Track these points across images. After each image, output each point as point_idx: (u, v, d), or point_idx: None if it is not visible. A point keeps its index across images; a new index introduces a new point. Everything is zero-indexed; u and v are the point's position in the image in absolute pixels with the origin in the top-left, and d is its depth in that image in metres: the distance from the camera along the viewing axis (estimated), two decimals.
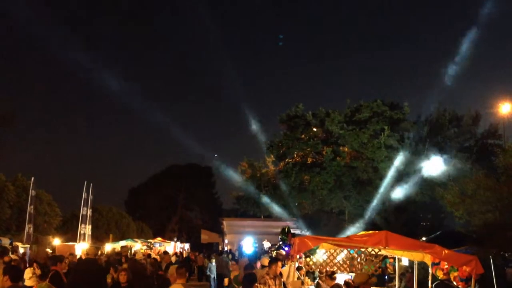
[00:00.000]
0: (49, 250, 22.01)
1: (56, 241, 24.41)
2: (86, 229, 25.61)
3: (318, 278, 9.99)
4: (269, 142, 25.49)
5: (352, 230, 20.35)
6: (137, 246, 27.75)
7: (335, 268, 8.28)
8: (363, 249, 7.74)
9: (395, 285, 11.15)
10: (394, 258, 11.51)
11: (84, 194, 25.53)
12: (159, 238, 36.34)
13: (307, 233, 24.20)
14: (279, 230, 17.04)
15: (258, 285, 7.41)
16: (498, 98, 21.00)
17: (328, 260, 8.18)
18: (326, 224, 24.84)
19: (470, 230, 12.68)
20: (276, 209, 25.41)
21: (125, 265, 9.99)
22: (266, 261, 10.19)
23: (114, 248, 24.26)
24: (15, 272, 5.31)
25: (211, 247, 42.28)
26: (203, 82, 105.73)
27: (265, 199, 24.79)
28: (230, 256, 23.00)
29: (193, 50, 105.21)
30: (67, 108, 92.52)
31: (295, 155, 24.59)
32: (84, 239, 24.63)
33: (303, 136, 24.12)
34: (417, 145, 21.28)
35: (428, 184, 19.69)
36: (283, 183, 23.63)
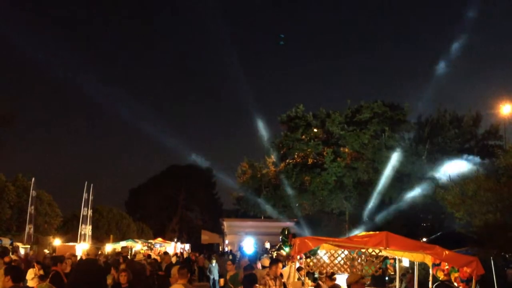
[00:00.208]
0: (46, 251, 21.98)
1: (57, 242, 24.41)
2: (87, 229, 25.62)
3: (318, 279, 10.00)
4: (270, 143, 25.51)
5: (352, 230, 20.35)
6: (138, 246, 27.73)
7: (336, 269, 8.28)
8: (363, 250, 7.75)
9: (395, 286, 11.14)
10: (394, 259, 11.51)
11: (84, 195, 25.55)
12: (159, 239, 36.31)
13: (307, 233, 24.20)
14: (279, 230, 17.09)
15: (259, 286, 7.41)
16: (499, 99, 21.00)
17: (329, 261, 8.19)
18: (327, 225, 24.86)
19: (471, 231, 12.67)
20: (276, 210, 25.41)
21: (123, 266, 9.98)
22: (266, 261, 10.19)
23: (114, 249, 24.25)
24: (16, 273, 5.31)
25: (211, 248, 42.26)
26: (203, 82, 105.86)
27: (265, 200, 24.80)
28: (230, 256, 22.97)
29: (193, 50, 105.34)
30: (67, 108, 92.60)
31: (295, 156, 24.61)
32: (84, 240, 24.64)
33: (303, 137, 24.14)
34: (418, 146, 21.28)
35: (428, 185, 19.70)
36: (284, 183, 23.65)
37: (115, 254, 19.31)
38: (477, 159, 19.15)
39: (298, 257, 7.87)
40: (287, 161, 24.58)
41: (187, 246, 40.51)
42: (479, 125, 22.14)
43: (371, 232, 8.49)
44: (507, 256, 12.09)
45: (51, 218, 29.51)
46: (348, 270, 8.14)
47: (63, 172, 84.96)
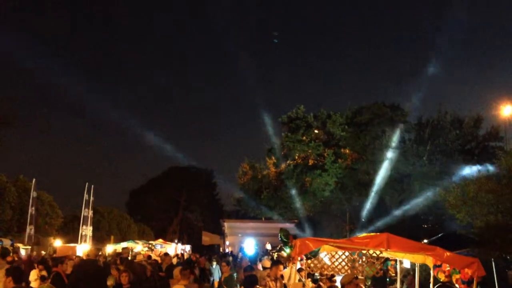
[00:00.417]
0: (43, 252, 21.97)
1: (57, 243, 24.42)
2: (87, 230, 25.60)
3: (318, 280, 9.99)
4: (270, 144, 25.54)
5: (353, 232, 20.35)
6: (138, 247, 27.71)
7: (336, 270, 8.27)
8: (364, 251, 7.73)
9: None
10: (395, 261, 11.49)
11: (85, 196, 25.54)
12: (160, 240, 36.27)
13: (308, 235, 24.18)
14: None
15: (259, 287, 7.41)
16: (500, 100, 20.98)
17: (330, 262, 8.17)
18: (328, 226, 24.84)
19: (472, 232, 12.66)
20: (277, 211, 25.41)
21: (120, 266, 9.97)
22: (267, 263, 10.20)
23: (115, 250, 24.25)
24: (18, 274, 5.31)
25: (212, 249, 42.24)
26: (203, 82, 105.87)
27: (266, 201, 24.79)
28: (231, 258, 22.96)
29: (193, 50, 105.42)
30: (68, 109, 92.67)
31: (296, 157, 24.61)
32: (85, 241, 24.63)
33: (304, 138, 24.16)
34: (418, 147, 21.27)
35: (429, 186, 19.68)
36: (285, 184, 23.66)
37: (115, 254, 19.31)
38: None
39: (299, 258, 7.86)
40: (288, 162, 24.59)
41: (187, 247, 40.48)
42: (480, 126, 22.12)
43: (371, 234, 8.48)
44: (508, 257, 12.08)
45: (52, 219, 29.53)
46: (349, 271, 8.13)
47: (64, 173, 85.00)
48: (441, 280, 8.31)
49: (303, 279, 9.13)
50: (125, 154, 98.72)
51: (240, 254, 26.03)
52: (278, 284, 7.66)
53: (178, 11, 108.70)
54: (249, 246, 28.59)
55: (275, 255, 17.52)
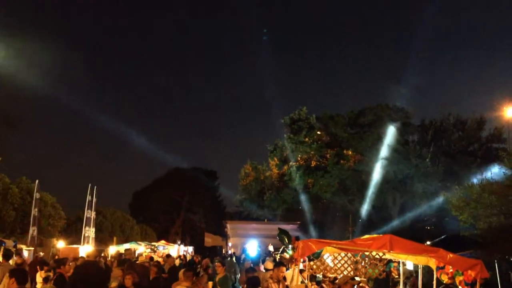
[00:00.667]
0: (41, 253, 21.97)
1: (60, 244, 24.44)
2: (90, 231, 25.63)
3: (321, 282, 9.97)
4: (273, 145, 25.55)
5: (356, 233, 20.31)
6: (141, 249, 27.73)
7: (339, 272, 8.26)
8: (367, 253, 7.72)
9: None
10: (398, 262, 11.46)
11: (88, 197, 25.58)
12: (163, 241, 36.26)
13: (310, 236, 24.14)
14: None
15: None
16: (503, 101, 20.91)
17: (332, 264, 8.17)
18: (330, 228, 24.81)
19: (475, 234, 12.63)
20: (279, 212, 25.40)
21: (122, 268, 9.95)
22: (270, 264, 10.17)
23: (118, 251, 24.27)
24: (21, 275, 5.32)
25: (214, 250, 42.22)
26: (203, 82, 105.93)
27: (268, 203, 24.79)
28: (234, 259, 22.94)
29: (193, 50, 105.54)
30: (70, 109, 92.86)
31: (298, 158, 24.62)
32: (88, 242, 24.66)
33: (306, 139, 24.17)
34: (422, 149, 21.24)
35: (433, 188, 19.65)
36: (287, 186, 23.65)
37: (117, 255, 19.34)
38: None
39: (302, 260, 7.86)
40: (290, 163, 24.59)
41: (190, 249, 40.49)
42: (483, 128, 22.08)
43: (374, 235, 8.47)
44: (511, 259, 12.04)
45: (54, 220, 29.57)
46: (352, 273, 8.12)
47: (67, 175, 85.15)
48: (444, 282, 8.28)
49: (306, 281, 9.11)
50: (127, 155, 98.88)
51: (243, 256, 26.03)
52: (281, 286, 7.66)
53: (178, 11, 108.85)
54: (252, 248, 28.58)
55: (278, 257, 17.49)
